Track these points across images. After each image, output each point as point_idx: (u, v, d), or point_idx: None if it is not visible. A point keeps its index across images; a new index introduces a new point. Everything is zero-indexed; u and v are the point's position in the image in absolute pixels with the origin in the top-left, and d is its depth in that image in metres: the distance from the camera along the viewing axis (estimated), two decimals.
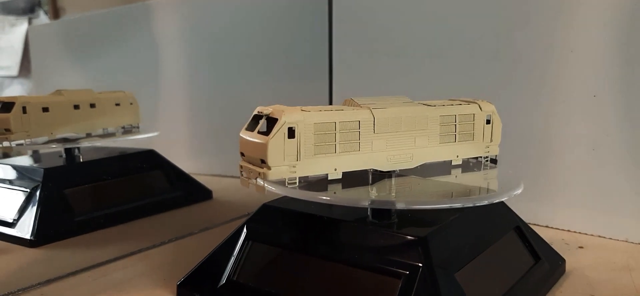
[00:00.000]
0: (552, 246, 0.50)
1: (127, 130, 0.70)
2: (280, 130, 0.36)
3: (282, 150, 0.37)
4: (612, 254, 0.52)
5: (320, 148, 0.38)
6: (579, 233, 0.57)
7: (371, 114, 0.40)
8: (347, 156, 0.40)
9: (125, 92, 0.71)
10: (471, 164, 0.47)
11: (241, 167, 0.40)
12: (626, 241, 0.55)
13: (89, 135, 0.66)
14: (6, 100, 0.58)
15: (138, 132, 0.70)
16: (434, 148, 0.43)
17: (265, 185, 0.38)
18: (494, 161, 0.47)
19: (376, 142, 0.40)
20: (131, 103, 0.71)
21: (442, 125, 0.43)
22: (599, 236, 0.56)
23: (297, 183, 0.38)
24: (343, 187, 0.43)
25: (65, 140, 0.64)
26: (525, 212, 0.59)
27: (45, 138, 0.62)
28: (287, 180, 0.38)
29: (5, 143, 0.58)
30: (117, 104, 0.69)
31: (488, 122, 0.46)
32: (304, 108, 0.39)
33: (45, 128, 0.61)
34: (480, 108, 0.45)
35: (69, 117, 0.63)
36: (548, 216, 0.59)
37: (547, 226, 0.59)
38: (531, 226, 0.58)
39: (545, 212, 0.59)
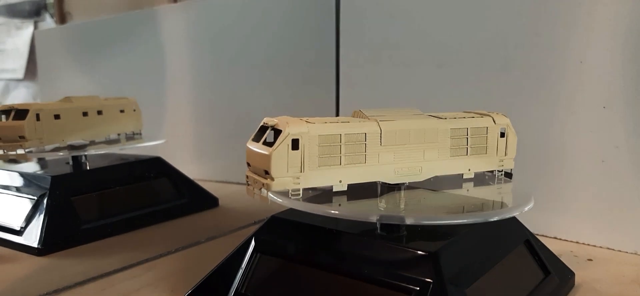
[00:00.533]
0: (561, 258, 0.49)
1: (129, 137, 0.70)
2: (283, 141, 0.37)
3: (286, 161, 0.37)
4: (621, 267, 0.51)
5: (325, 160, 0.38)
6: (588, 245, 0.57)
7: (378, 127, 0.40)
8: (352, 168, 0.39)
9: (129, 98, 0.71)
10: (487, 177, 0.46)
11: (247, 176, 0.40)
12: (635, 253, 0.54)
13: (92, 142, 0.66)
14: (20, 107, 0.58)
15: (140, 139, 0.70)
16: (444, 161, 0.42)
17: (269, 195, 0.38)
18: (509, 175, 0.46)
19: (383, 154, 0.40)
20: (134, 110, 0.71)
21: (453, 138, 0.42)
22: (608, 248, 0.56)
23: (301, 195, 0.38)
24: (352, 199, 0.43)
25: (71, 147, 0.64)
26: (534, 224, 0.58)
27: (52, 146, 0.62)
28: (290, 191, 0.38)
29: (20, 151, 0.58)
30: (121, 111, 0.69)
31: (502, 135, 0.45)
32: (309, 119, 0.38)
33: (57, 136, 0.61)
34: (494, 121, 0.44)
35: (78, 124, 0.64)
36: (557, 228, 0.59)
37: (555, 238, 0.59)
38: (540, 237, 0.58)
39: (554, 223, 0.59)
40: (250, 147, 0.39)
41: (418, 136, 0.41)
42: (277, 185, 0.37)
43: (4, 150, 0.59)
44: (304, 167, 0.38)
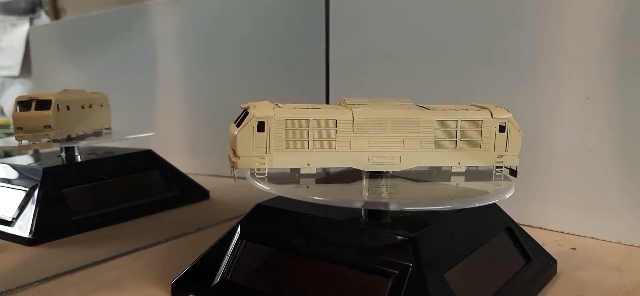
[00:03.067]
0: (545, 247, 0.50)
1: (98, 133, 0.70)
2: (249, 123, 0.39)
3: (251, 142, 0.39)
4: (603, 255, 0.52)
5: (292, 143, 0.40)
6: (572, 234, 0.58)
7: (350, 114, 0.41)
8: (322, 153, 0.41)
9: (102, 93, 0.71)
10: (487, 173, 0.44)
11: (229, 156, 0.42)
12: (618, 242, 0.55)
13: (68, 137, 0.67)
14: (41, 98, 0.60)
15: (110, 134, 0.71)
16: (428, 153, 0.42)
17: (235, 173, 0.41)
18: (514, 173, 0.44)
19: (356, 141, 0.41)
20: (106, 105, 0.72)
21: (439, 130, 0.42)
22: (592, 237, 0.57)
23: (266, 174, 0.40)
24: (337, 186, 0.44)
25: (58, 140, 0.64)
26: (520, 213, 0.59)
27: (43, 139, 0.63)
28: (255, 171, 0.40)
29: (44, 140, 0.60)
30: (101, 105, 0.70)
31: (502, 130, 0.43)
32: (281, 105, 0.41)
33: (70, 126, 0.63)
34: (492, 115, 0.43)
35: (79, 116, 0.65)
36: (542, 217, 0.59)
37: (541, 228, 0.59)
38: (525, 227, 0.59)
39: (539, 213, 0.59)
40: (230, 128, 0.42)
41: (396, 126, 0.41)
42: (242, 163, 0.40)
43: (20, 140, 0.60)
44: (269, 148, 0.40)
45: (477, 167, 0.44)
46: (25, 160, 0.67)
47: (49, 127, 0.59)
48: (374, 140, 0.41)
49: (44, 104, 0.60)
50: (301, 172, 0.41)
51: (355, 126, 0.40)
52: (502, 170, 0.44)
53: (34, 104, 0.60)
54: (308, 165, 0.41)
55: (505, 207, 0.47)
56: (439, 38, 0.64)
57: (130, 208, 0.63)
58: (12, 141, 0.78)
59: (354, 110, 0.41)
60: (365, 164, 0.41)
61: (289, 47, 0.81)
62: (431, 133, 0.42)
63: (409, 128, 0.41)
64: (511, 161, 0.43)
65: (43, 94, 0.60)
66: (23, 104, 0.60)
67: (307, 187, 0.41)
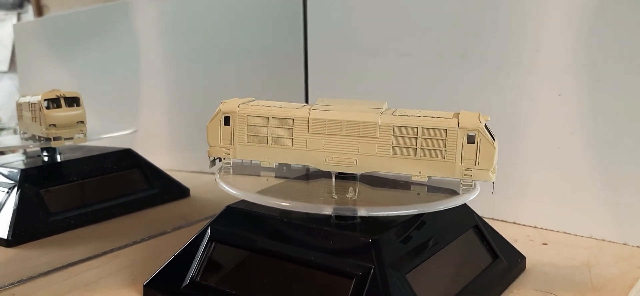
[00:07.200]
0: (517, 243, 0.51)
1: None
2: (216, 117, 0.44)
3: (218, 133, 0.45)
4: (574, 250, 0.53)
5: (253, 138, 0.44)
6: (545, 229, 0.58)
7: (307, 114, 0.42)
8: (279, 149, 0.43)
9: None
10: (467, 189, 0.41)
11: None
12: (590, 237, 0.56)
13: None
14: (68, 95, 0.62)
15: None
16: (385, 159, 0.41)
17: (219, 183, 0.44)
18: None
19: (311, 141, 0.42)
20: None
21: (397, 136, 0.40)
22: (565, 232, 0.57)
23: (232, 163, 0.45)
24: (306, 183, 0.46)
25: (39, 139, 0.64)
26: (492, 209, 0.60)
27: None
28: (223, 161, 0.45)
29: (79, 135, 0.62)
30: None
31: (471, 141, 0.39)
32: (252, 102, 0.45)
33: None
34: (458, 124, 0.39)
35: None
36: (516, 213, 0.60)
37: (514, 223, 0.60)
38: (499, 222, 0.60)
39: (512, 208, 0.60)
40: None
41: (351, 128, 0.41)
42: (211, 152, 0.45)
43: (51, 137, 0.61)
44: (233, 140, 0.44)
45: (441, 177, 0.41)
46: (5, 159, 0.68)
47: (82, 122, 0.62)
48: (329, 141, 0.42)
49: (72, 101, 0.62)
50: (261, 165, 0.44)
51: (311, 126, 0.42)
52: (471, 186, 0.40)
53: (63, 101, 0.61)
54: (267, 159, 0.44)
55: (477, 203, 0.46)
56: (416, 35, 0.64)
57: (109, 207, 0.64)
58: (5, 141, 0.78)
59: (311, 110, 0.42)
60: (321, 164, 0.42)
61: (270, 42, 0.81)
62: (389, 138, 0.40)
63: (365, 132, 0.41)
64: (482, 176, 0.39)
65: (69, 92, 0.62)
66: (52, 102, 0.61)
67: (267, 179, 0.44)
